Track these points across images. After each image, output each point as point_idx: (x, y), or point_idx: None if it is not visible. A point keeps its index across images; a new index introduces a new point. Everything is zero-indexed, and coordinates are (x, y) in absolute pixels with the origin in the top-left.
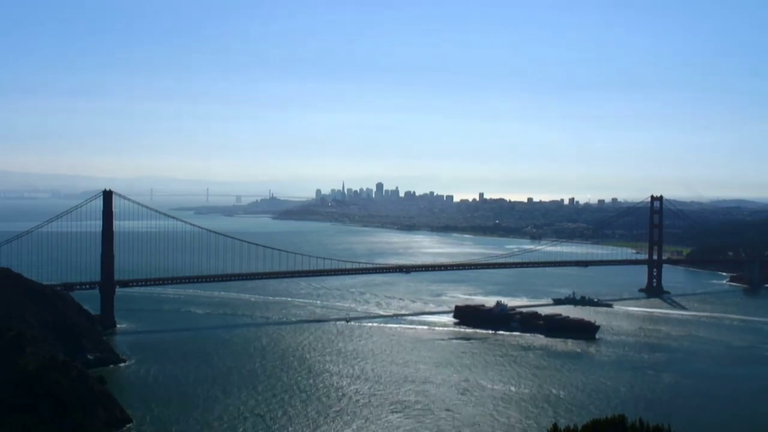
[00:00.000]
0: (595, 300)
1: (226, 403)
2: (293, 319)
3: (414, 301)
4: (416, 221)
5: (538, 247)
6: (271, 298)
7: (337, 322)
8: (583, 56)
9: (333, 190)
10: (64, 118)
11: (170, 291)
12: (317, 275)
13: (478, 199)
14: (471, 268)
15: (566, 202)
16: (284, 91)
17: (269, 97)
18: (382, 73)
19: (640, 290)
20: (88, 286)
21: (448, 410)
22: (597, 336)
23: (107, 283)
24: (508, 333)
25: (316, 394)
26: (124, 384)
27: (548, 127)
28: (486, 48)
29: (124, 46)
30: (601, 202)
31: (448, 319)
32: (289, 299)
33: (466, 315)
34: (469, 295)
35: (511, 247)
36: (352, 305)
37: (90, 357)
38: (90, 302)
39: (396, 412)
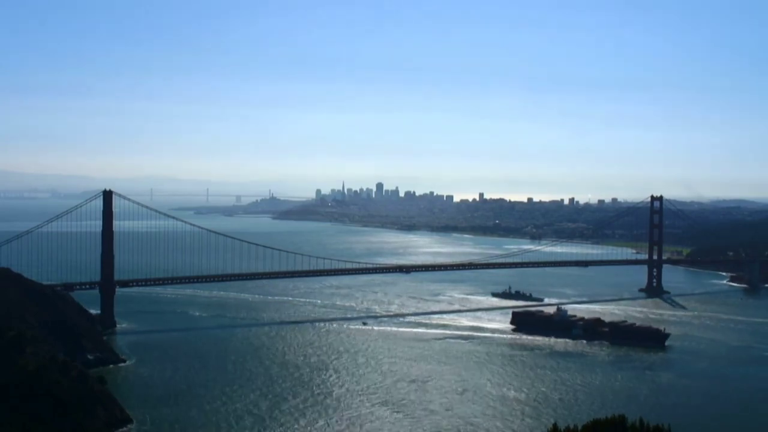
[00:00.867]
0: (527, 294)
1: (226, 403)
2: (294, 319)
3: (463, 307)
4: (416, 221)
5: (538, 248)
6: (271, 297)
7: (355, 324)
8: (583, 56)
9: (333, 190)
10: (65, 118)
11: (170, 291)
12: (317, 275)
13: (478, 199)
14: (471, 268)
15: (566, 202)
16: (284, 91)
17: (269, 97)
18: (382, 72)
19: (640, 290)
20: (88, 286)
21: None
22: (667, 344)
23: (107, 283)
24: (570, 341)
25: (318, 398)
26: (124, 384)
27: (549, 126)
28: (486, 48)
29: (124, 45)
30: (601, 202)
31: (504, 325)
32: (289, 299)
33: (524, 322)
34: (468, 294)
35: (510, 247)
36: (372, 306)
37: (90, 357)
38: (90, 302)
39: None
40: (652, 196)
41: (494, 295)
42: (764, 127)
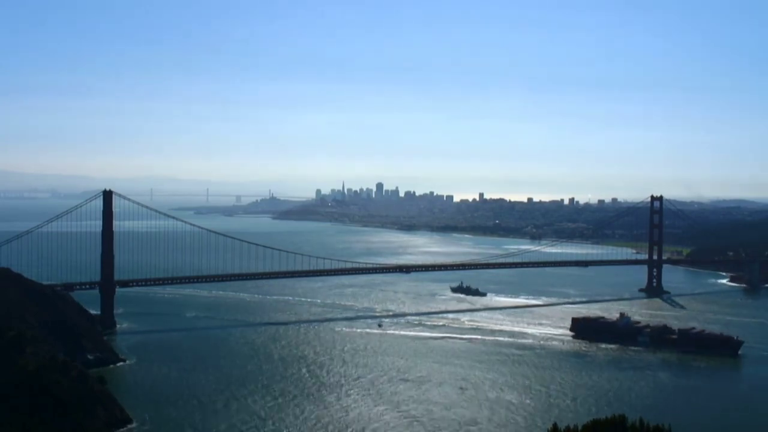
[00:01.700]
0: (474, 289)
1: (226, 403)
2: (294, 319)
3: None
4: (416, 221)
5: (538, 248)
6: (271, 297)
7: (354, 325)
8: (583, 56)
9: (333, 190)
10: (65, 117)
11: (170, 291)
12: (317, 275)
13: (478, 199)
14: (471, 268)
15: (566, 202)
16: (284, 91)
17: (269, 98)
18: (382, 72)
19: (640, 290)
20: (88, 286)
21: None
22: (740, 352)
23: (107, 283)
24: (635, 349)
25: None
26: (124, 384)
27: (549, 126)
28: (486, 47)
29: (124, 45)
30: (601, 202)
31: (563, 332)
32: (289, 298)
33: (584, 328)
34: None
35: (510, 247)
36: (387, 305)
37: (90, 357)
38: (90, 302)
39: None
40: (652, 196)
41: (453, 289)
42: (764, 127)
